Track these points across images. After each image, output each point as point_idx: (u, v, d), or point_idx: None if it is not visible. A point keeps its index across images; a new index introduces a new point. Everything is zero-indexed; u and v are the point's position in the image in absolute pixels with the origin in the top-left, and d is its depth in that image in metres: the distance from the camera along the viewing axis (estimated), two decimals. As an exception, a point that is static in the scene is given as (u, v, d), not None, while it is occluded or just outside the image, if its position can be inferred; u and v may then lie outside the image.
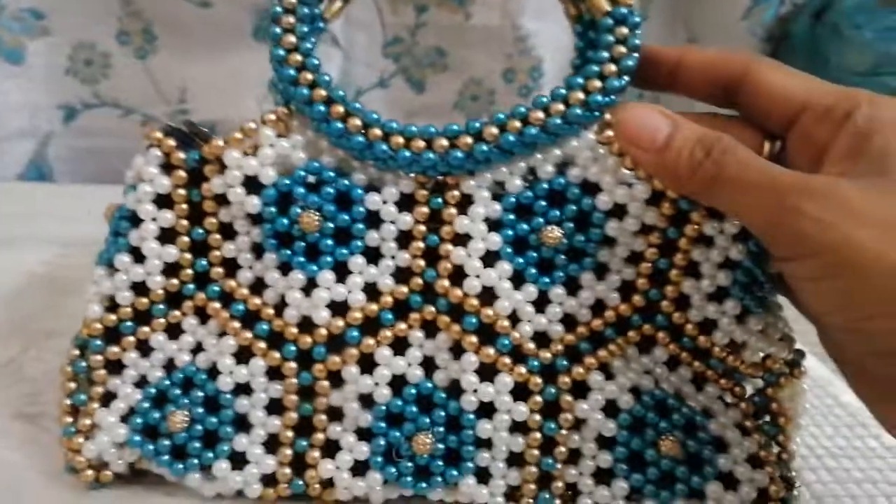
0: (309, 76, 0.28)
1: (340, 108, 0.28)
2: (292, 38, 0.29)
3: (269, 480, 0.29)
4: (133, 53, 0.71)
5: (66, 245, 0.52)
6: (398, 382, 0.29)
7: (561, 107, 0.28)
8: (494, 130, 0.28)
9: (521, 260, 0.29)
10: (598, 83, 0.28)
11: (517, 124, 0.28)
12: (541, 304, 0.29)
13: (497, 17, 0.68)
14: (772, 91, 0.28)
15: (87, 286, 0.30)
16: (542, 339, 0.29)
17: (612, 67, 0.29)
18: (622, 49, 0.29)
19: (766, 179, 0.24)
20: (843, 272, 0.23)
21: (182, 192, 0.29)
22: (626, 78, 0.29)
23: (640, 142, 0.28)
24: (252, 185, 0.29)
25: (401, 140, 0.28)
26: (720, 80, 0.29)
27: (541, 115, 0.28)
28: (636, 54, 0.29)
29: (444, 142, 0.28)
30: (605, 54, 0.29)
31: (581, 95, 0.28)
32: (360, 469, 0.29)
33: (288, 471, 0.29)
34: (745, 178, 0.25)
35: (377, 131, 0.28)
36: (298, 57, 0.29)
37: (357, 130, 0.28)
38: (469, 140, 0.28)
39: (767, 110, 0.28)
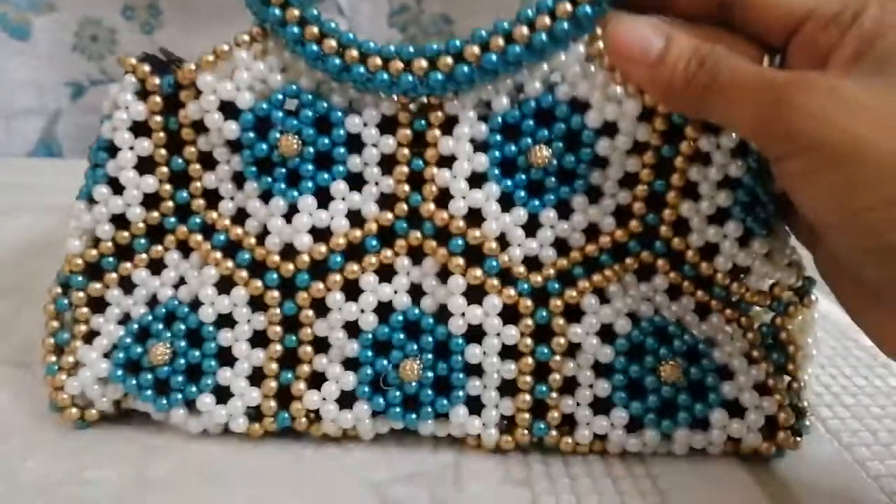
0: None
1: (315, 29, 0.27)
2: None
3: (254, 414, 0.28)
4: (139, 29, 0.71)
5: (65, 211, 0.52)
6: (384, 309, 0.28)
7: (547, 20, 0.27)
8: (476, 50, 0.27)
9: (509, 182, 0.28)
10: (569, 7, 0.26)
11: (500, 42, 0.27)
12: (531, 227, 0.28)
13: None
14: (768, 4, 0.27)
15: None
16: (532, 262, 0.28)
17: None
18: None
19: (760, 80, 0.23)
20: (843, 164, 0.22)
21: (159, 119, 0.28)
22: None
23: (632, 56, 0.26)
24: (229, 110, 0.28)
25: (378, 61, 0.27)
26: None
27: (525, 30, 0.27)
28: None
29: (424, 63, 0.27)
30: None
31: (569, 7, 0.27)
32: (347, 400, 0.28)
33: (273, 404, 0.28)
34: (740, 82, 0.24)
35: (353, 52, 0.27)
36: None
37: (333, 52, 0.27)
38: (449, 60, 0.27)
39: (767, 23, 0.27)
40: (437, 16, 0.72)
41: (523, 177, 0.28)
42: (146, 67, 0.28)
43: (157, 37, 0.71)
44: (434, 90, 0.27)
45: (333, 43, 0.27)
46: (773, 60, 0.28)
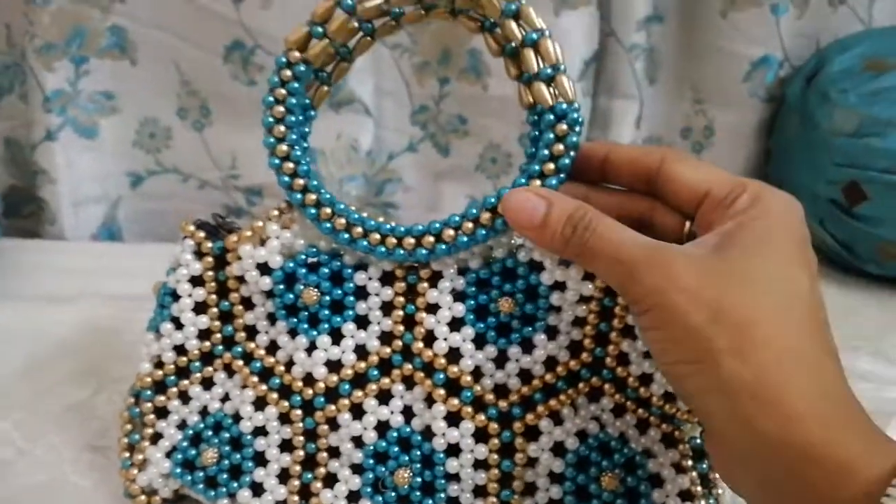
0: (301, 182, 0.35)
1: (328, 210, 0.35)
2: (282, 128, 0.35)
3: (281, 506, 0.36)
4: (191, 126, 0.79)
5: (130, 299, 0.60)
6: (383, 427, 0.36)
7: None
8: (451, 232, 0.34)
9: (482, 324, 0.35)
10: (538, 182, 0.34)
11: (470, 225, 0.34)
12: (500, 361, 0.35)
13: (511, 88, 0.75)
14: (681, 182, 0.33)
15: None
16: (501, 390, 0.35)
17: (551, 166, 0.33)
18: (560, 147, 0.33)
19: (617, 254, 0.30)
20: (663, 326, 0.28)
21: (211, 273, 0.36)
22: (563, 176, 0.34)
23: (522, 223, 0.32)
24: (264, 268, 0.36)
25: (377, 237, 0.34)
26: (640, 173, 0.35)
27: (489, 216, 0.34)
28: (573, 153, 0.33)
29: (412, 240, 0.34)
30: (546, 152, 0.33)
31: None
32: (353, 497, 0.35)
33: (297, 498, 0.36)
34: (602, 251, 0.30)
35: (359, 229, 0.35)
36: (285, 147, 0.35)
37: (342, 228, 0.35)
38: (431, 240, 0.34)
39: (679, 198, 0.34)
40: (453, 116, 0.80)
41: (493, 320, 0.35)
42: (201, 234, 0.36)
43: (206, 133, 0.79)
44: (419, 260, 0.35)
45: (343, 221, 0.35)
46: (692, 225, 0.35)
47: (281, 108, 0.35)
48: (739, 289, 0.28)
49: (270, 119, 0.35)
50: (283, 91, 0.35)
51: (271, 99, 0.35)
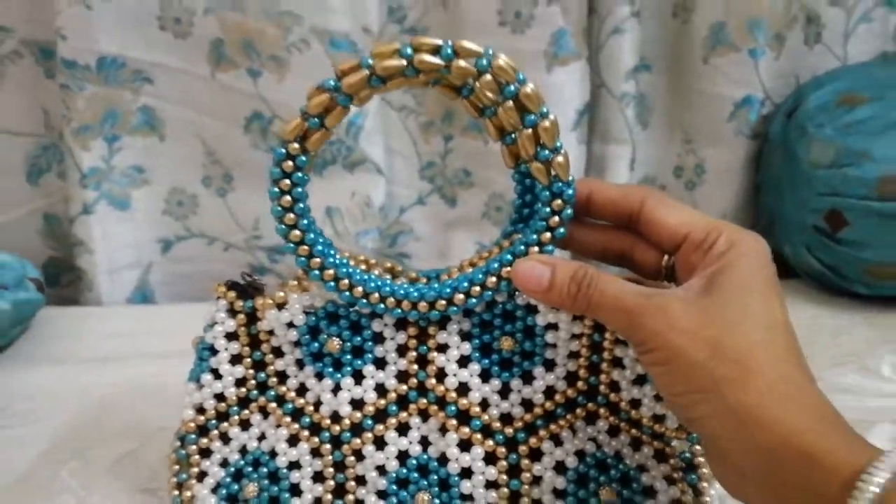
0: (305, 248, 0.38)
1: (331, 272, 0.38)
2: (291, 215, 0.38)
3: (316, 532, 0.40)
4: (215, 193, 0.84)
5: (166, 356, 0.64)
6: (403, 456, 0.40)
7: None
8: (461, 296, 0.38)
9: (486, 361, 0.40)
10: (536, 249, 0.38)
11: (477, 289, 0.38)
12: (504, 392, 0.40)
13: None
14: (661, 225, 0.37)
15: (183, 387, 0.42)
16: (506, 418, 0.40)
17: (548, 235, 0.38)
18: (556, 220, 0.37)
19: (619, 304, 0.34)
20: (667, 363, 0.33)
21: (244, 328, 0.41)
22: (558, 242, 0.38)
23: (530, 288, 0.37)
24: (290, 324, 0.40)
25: (393, 301, 0.39)
26: (622, 212, 0.39)
27: (494, 280, 0.38)
28: (568, 222, 0.37)
29: (426, 305, 0.38)
30: (543, 223, 0.37)
31: None
32: (380, 521, 0.40)
33: (329, 524, 0.40)
34: (605, 303, 0.35)
35: (359, 289, 0.38)
36: (293, 216, 0.38)
37: (346, 288, 0.39)
38: (443, 303, 0.38)
39: (659, 238, 0.38)
40: (458, 170, 0.85)
41: (497, 357, 0.40)
42: (232, 294, 0.41)
43: (229, 199, 0.84)
44: (431, 320, 0.39)
45: (346, 282, 0.38)
46: (669, 260, 0.39)
47: (288, 198, 0.38)
48: (732, 327, 0.32)
49: (279, 209, 0.38)
50: (287, 182, 0.37)
51: (277, 190, 0.38)
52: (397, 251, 0.89)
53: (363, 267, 0.41)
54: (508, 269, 0.38)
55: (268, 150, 0.82)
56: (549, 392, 0.40)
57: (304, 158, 0.37)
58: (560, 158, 0.37)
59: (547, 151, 0.37)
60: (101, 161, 0.81)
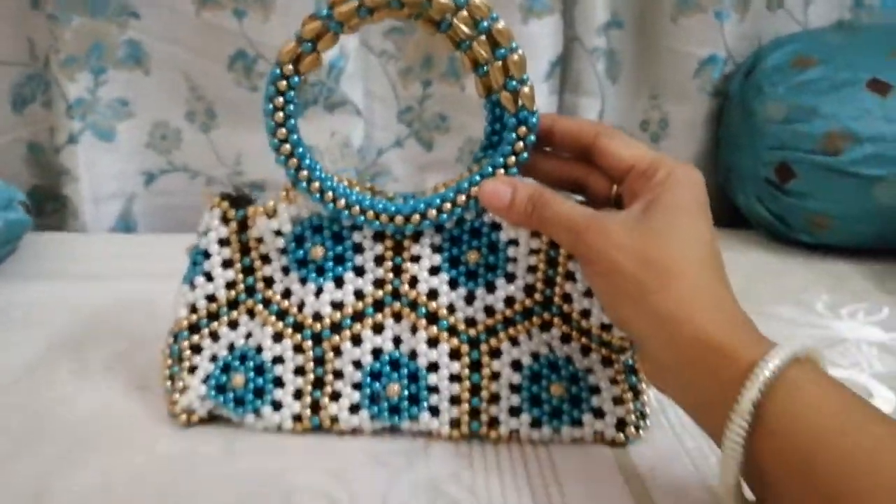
0: (295, 161, 0.41)
1: (317, 184, 0.42)
2: (283, 130, 0.41)
3: (296, 418, 0.45)
4: (199, 129, 0.87)
5: (153, 277, 0.66)
6: (377, 352, 0.44)
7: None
8: (434, 212, 0.42)
9: (454, 271, 0.44)
10: (502, 171, 0.42)
11: (448, 206, 0.42)
12: (469, 299, 0.44)
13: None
14: (611, 156, 0.41)
15: (169, 303, 0.46)
16: (470, 321, 0.44)
17: (513, 159, 0.42)
18: (521, 145, 0.41)
19: (567, 222, 0.39)
20: (605, 274, 0.37)
21: (235, 235, 0.45)
22: (521, 166, 0.42)
23: (493, 205, 0.42)
24: (277, 232, 0.44)
25: (372, 213, 0.43)
26: (578, 144, 0.42)
27: (463, 198, 0.42)
28: (531, 148, 0.41)
29: (401, 218, 0.43)
30: (509, 148, 0.41)
31: None
32: (354, 409, 0.44)
33: (308, 412, 0.44)
34: (556, 221, 0.39)
35: (342, 202, 0.43)
36: (288, 146, 0.41)
37: (330, 200, 0.43)
38: (417, 218, 0.42)
39: (609, 168, 0.42)
40: (435, 114, 0.88)
41: (464, 268, 0.44)
42: (226, 203, 0.45)
43: (212, 135, 0.87)
44: (406, 234, 0.44)
45: (331, 194, 0.42)
46: (619, 189, 0.43)
47: (281, 114, 0.41)
48: (661, 241, 0.37)
49: (272, 123, 0.41)
50: (281, 99, 0.41)
51: (271, 107, 0.41)
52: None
53: (345, 184, 0.45)
54: (476, 188, 0.42)
55: (251, 88, 0.85)
56: (509, 301, 0.44)
57: (296, 79, 0.41)
58: (526, 89, 0.41)
59: (515, 82, 0.41)
60: (86, 92, 0.83)
